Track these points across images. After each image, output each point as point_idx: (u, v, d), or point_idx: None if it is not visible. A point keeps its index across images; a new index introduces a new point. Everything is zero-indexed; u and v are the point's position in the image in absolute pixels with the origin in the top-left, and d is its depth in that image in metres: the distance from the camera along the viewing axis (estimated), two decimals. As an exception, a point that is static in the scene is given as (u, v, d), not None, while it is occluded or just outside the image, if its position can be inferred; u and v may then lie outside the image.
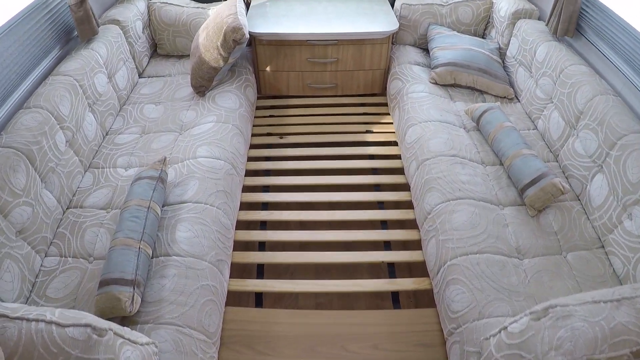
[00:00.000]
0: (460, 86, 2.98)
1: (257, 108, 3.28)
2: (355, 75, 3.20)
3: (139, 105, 2.83)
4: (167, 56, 3.30)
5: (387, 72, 3.25)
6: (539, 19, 2.98)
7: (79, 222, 2.12)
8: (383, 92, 3.37)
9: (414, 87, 2.89)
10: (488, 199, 2.23)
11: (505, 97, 2.93)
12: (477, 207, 2.16)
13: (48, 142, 2.11)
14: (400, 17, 3.19)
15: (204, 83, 2.80)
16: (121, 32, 2.88)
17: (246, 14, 3.09)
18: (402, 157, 2.75)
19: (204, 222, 2.09)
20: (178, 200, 2.18)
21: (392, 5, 3.32)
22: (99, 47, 2.64)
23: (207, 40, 2.76)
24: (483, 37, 3.32)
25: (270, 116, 3.24)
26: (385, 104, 3.29)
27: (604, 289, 1.45)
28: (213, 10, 3.13)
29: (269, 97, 3.42)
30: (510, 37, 3.03)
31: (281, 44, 3.02)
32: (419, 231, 2.35)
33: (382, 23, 3.02)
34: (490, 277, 1.88)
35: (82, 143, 2.38)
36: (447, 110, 2.76)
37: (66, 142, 2.27)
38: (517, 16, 2.97)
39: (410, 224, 2.46)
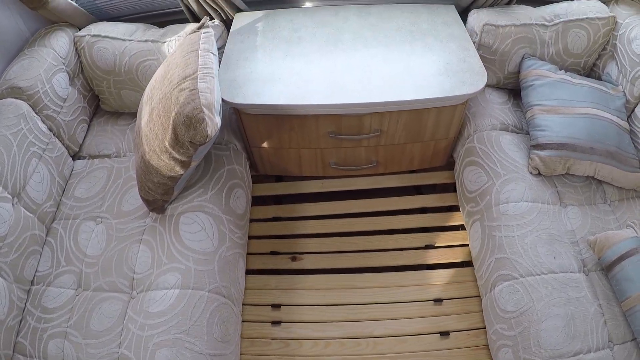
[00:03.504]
0: (572, 176, 1.80)
1: (255, 201, 2.10)
2: (408, 149, 1.97)
3: (72, 226, 1.76)
4: (116, 114, 2.11)
5: (456, 138, 2.02)
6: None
7: None
8: (447, 165, 2.14)
9: (508, 191, 1.72)
10: None
11: (633, 190, 1.77)
12: None
13: None
14: (479, 46, 1.89)
15: (158, 197, 1.68)
16: (27, 108, 1.72)
17: (219, 61, 1.82)
18: (485, 320, 1.68)
19: None
20: None
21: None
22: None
23: (150, 129, 1.59)
24: (594, 75, 2.03)
25: (274, 219, 2.07)
26: (452, 185, 2.08)
27: None
28: (170, 44, 1.89)
29: (270, 178, 2.23)
30: None
31: (283, 117, 1.78)
32: None
33: (458, 72, 1.73)
34: None
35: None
36: (559, 238, 1.63)
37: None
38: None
39: None
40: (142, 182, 1.67)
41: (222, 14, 1.97)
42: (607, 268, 1.55)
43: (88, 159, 1.97)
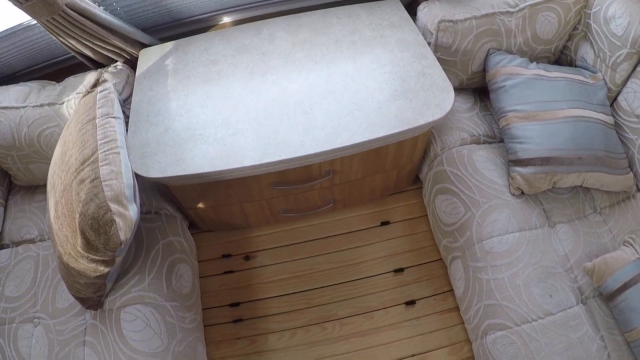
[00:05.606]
0: (558, 188, 1.49)
1: (202, 259, 1.82)
2: (368, 182, 1.63)
3: (9, 332, 1.43)
4: (31, 188, 1.72)
5: (421, 161, 1.68)
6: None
7: None
8: (414, 184, 1.85)
9: (490, 223, 1.41)
10: None
11: (623, 192, 1.47)
12: None
13: None
14: (436, 47, 1.51)
15: (91, 294, 1.37)
16: None
17: (128, 112, 1.47)
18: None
19: None
20: None
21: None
22: None
23: (59, 229, 1.25)
24: (565, 59, 1.66)
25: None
26: (420, 201, 1.82)
27: None
28: (70, 104, 1.49)
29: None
30: (630, 76, 1.43)
31: (215, 181, 1.41)
32: None
33: (419, 91, 1.35)
34: None
35: None
36: (552, 269, 1.35)
37: None
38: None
39: None
40: (69, 283, 1.35)
41: (124, 54, 1.55)
42: (607, 297, 1.29)
43: (12, 247, 1.61)
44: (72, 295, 1.40)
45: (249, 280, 1.74)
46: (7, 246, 1.64)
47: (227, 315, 1.69)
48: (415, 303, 1.64)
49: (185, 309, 1.48)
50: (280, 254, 1.78)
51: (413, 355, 1.55)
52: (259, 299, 1.70)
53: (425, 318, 1.62)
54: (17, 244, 1.63)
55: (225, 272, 1.77)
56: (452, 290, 1.64)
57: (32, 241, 1.62)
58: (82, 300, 1.40)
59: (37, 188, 1.71)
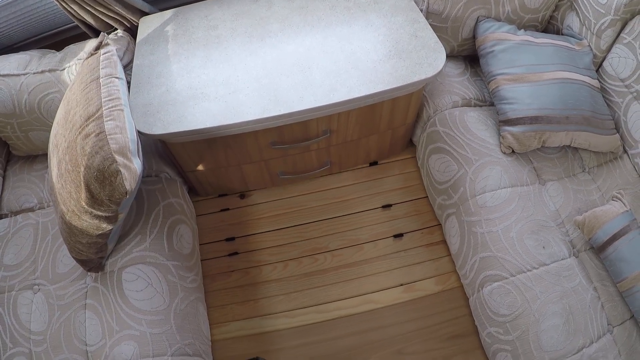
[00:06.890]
0: (547, 147, 1.52)
1: (201, 229, 1.82)
2: (364, 143, 1.65)
3: (9, 299, 1.41)
4: (30, 158, 1.71)
5: (414, 123, 1.70)
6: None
7: None
8: (408, 147, 1.87)
9: (483, 179, 1.43)
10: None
11: (610, 152, 1.51)
12: None
13: None
14: (428, 14, 1.54)
15: (92, 256, 1.36)
16: None
17: (128, 78, 1.47)
18: (475, 320, 1.45)
19: None
20: None
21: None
22: None
23: (62, 187, 1.24)
24: (552, 28, 1.71)
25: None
26: (415, 169, 1.83)
27: None
28: (70, 70, 1.49)
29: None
30: (614, 42, 1.47)
31: (216, 137, 1.41)
32: None
33: (411, 51, 1.38)
34: None
35: None
36: (544, 223, 1.38)
37: None
38: (632, 8, 1.40)
39: None
40: (70, 244, 1.34)
41: (124, 22, 1.56)
42: (598, 249, 1.32)
43: (10, 216, 1.60)
44: (73, 257, 1.38)
45: (243, 217, 1.78)
46: (6, 215, 1.62)
47: (223, 249, 1.73)
48: (403, 236, 1.69)
49: (187, 269, 1.47)
50: (274, 192, 1.83)
51: (401, 285, 1.60)
52: (253, 234, 1.74)
53: (412, 250, 1.66)
54: (16, 213, 1.61)
55: (222, 210, 1.81)
56: (440, 224, 1.68)
57: (31, 209, 1.61)
58: (83, 263, 1.39)
59: (36, 158, 1.70)
